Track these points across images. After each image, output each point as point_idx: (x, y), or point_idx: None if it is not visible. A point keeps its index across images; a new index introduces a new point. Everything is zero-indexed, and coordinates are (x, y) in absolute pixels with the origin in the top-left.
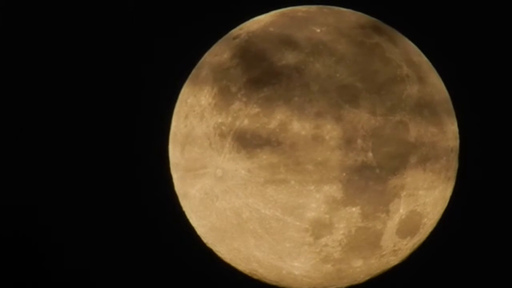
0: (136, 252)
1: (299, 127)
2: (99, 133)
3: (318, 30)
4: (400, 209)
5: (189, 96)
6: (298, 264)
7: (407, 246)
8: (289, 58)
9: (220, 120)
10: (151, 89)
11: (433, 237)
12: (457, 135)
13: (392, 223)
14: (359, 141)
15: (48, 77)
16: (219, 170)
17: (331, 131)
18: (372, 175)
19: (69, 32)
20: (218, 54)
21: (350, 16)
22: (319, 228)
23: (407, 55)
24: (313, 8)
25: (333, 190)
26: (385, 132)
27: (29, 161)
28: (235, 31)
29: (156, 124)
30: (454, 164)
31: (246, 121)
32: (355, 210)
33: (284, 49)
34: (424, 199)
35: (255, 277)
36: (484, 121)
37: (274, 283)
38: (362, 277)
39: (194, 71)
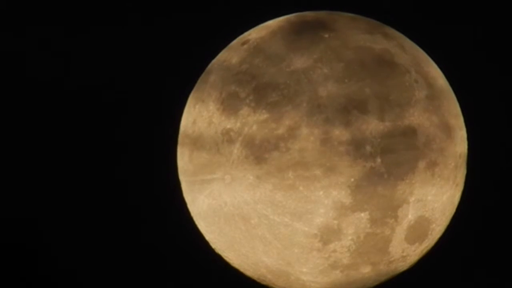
0: (144, 257)
1: (308, 132)
2: (105, 139)
3: (327, 36)
4: (409, 215)
5: (197, 102)
6: (307, 270)
7: (416, 252)
8: (298, 63)
9: (228, 126)
10: (159, 94)
11: (442, 243)
12: (466, 140)
13: (401, 229)
14: (368, 146)
15: (49, 82)
16: (228, 176)
17: (339, 136)
18: (381, 181)
19: (72, 36)
20: (227, 59)
21: (359, 22)
22: (328, 234)
23: (415, 60)
24: (321, 13)
25: (342, 195)
26: (393, 137)
27: (31, 163)
28: (244, 36)
29: (164, 129)
30: (463, 170)
31: (254, 127)
32: (364, 215)
33: (292, 55)
34: (432, 204)
35: (263, 283)
36: (493, 126)
37: None
38: (370, 283)
39: (202, 77)
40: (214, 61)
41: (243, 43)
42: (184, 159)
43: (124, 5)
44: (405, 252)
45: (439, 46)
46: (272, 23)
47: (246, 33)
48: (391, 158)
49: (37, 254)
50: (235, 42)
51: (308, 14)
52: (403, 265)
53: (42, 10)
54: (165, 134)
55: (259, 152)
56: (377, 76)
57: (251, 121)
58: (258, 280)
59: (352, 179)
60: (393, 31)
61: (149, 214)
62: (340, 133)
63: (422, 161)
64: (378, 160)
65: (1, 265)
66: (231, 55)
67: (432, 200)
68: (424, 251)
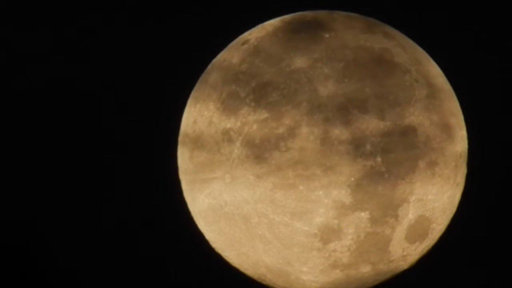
0: (144, 257)
1: (308, 132)
2: (105, 139)
3: (327, 35)
4: (409, 214)
5: (197, 101)
6: (307, 269)
7: (416, 251)
8: (298, 63)
9: (228, 125)
10: (159, 94)
11: (442, 243)
12: (466, 139)
13: (401, 228)
14: (368, 146)
15: (50, 83)
16: (228, 175)
17: (339, 136)
18: (381, 180)
19: (72, 37)
20: (227, 59)
21: (359, 21)
22: (328, 233)
23: (416, 60)
24: (322, 13)
25: (342, 195)
26: (393, 137)
27: (31, 163)
28: (244, 36)
29: (164, 129)
30: (463, 169)
31: (254, 126)
32: (364, 215)
33: (292, 54)
34: (433, 204)
35: (263, 282)
36: (493, 126)
37: None
38: (370, 282)
39: (202, 76)
40: (214, 61)
41: (243, 43)
42: (185, 159)
43: (125, 5)
44: (406, 252)
45: (439, 45)
46: (272, 23)
47: (246, 33)
48: (392, 157)
49: (37, 254)
50: (235, 42)
51: (308, 14)
52: (403, 265)
53: (42, 11)
54: (165, 134)
55: (259, 151)
56: (377, 75)
57: (251, 120)
58: (258, 280)
59: (352, 179)
60: (393, 30)
61: (149, 214)
62: (340, 132)
63: (422, 161)
64: (379, 159)
65: (1, 265)
66: (231, 55)
67: (433, 199)
68: (425, 251)
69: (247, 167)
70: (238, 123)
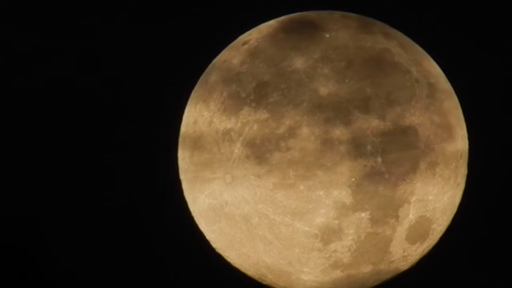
0: (144, 257)
1: (308, 132)
2: (105, 139)
3: (327, 35)
4: (410, 215)
5: (198, 102)
6: (308, 270)
7: (417, 252)
8: (298, 63)
9: (229, 126)
10: (160, 94)
11: (443, 243)
12: (467, 140)
13: (402, 229)
14: (369, 146)
15: (50, 83)
16: (228, 175)
17: (340, 136)
18: (382, 180)
19: (72, 37)
20: (227, 59)
21: (360, 22)
22: (329, 234)
23: (416, 60)
24: (322, 13)
25: (343, 195)
26: (394, 137)
27: (31, 163)
28: (244, 36)
29: (164, 129)
30: (463, 170)
31: (255, 127)
32: (365, 215)
33: (293, 55)
34: (433, 204)
35: (264, 283)
36: (494, 126)
37: None
38: (371, 283)
39: (203, 77)
40: (214, 61)
41: (244, 43)
42: (185, 159)
43: (125, 5)
44: (406, 252)
45: (439, 45)
46: (273, 23)
47: (246, 33)
48: (392, 157)
49: (37, 254)
50: (235, 42)
51: (308, 14)
52: (404, 265)
53: (42, 11)
54: (165, 134)
55: (259, 151)
56: (378, 75)
57: (252, 120)
58: (259, 280)
59: (353, 179)
60: (394, 30)
61: (149, 214)
62: (340, 132)
63: (423, 161)
64: (379, 159)
65: (1, 265)
66: (231, 55)
67: (433, 200)
68: (425, 251)
69: (247, 167)
70: (239, 124)
